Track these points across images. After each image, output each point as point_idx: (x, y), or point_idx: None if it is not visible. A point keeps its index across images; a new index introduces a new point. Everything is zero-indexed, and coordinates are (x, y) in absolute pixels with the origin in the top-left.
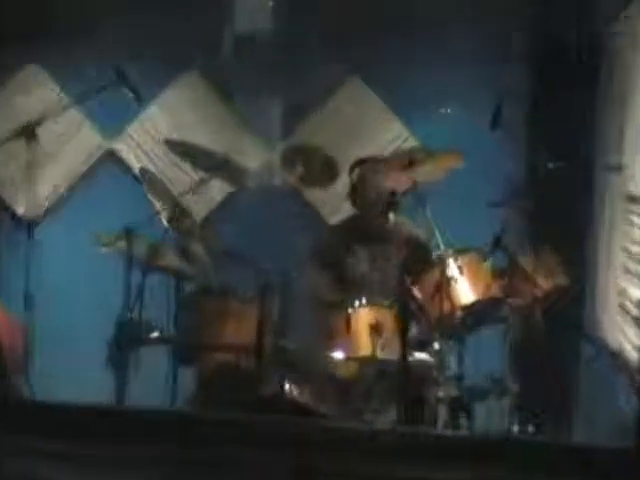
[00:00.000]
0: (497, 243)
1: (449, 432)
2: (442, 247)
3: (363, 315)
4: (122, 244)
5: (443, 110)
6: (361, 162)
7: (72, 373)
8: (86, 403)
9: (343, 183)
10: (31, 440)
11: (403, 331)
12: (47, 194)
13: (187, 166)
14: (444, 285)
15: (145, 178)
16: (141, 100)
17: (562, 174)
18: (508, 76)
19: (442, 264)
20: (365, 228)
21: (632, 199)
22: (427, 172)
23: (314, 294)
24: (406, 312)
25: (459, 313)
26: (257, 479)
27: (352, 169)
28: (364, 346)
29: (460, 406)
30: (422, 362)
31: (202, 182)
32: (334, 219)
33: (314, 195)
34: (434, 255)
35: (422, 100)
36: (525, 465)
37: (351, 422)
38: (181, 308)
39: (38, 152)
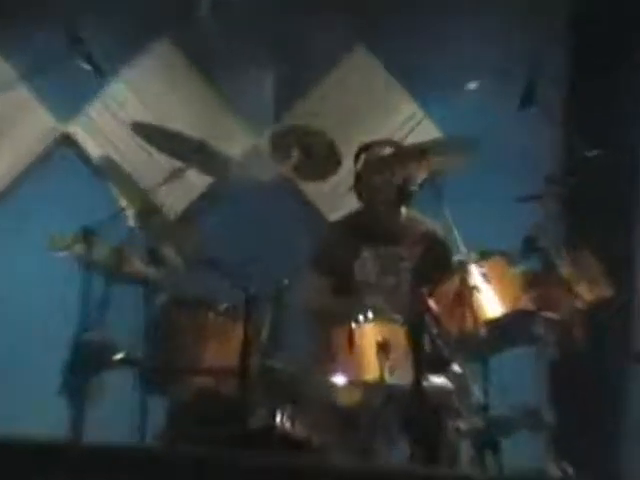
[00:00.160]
0: (529, 245)
1: (472, 472)
2: (463, 249)
3: (369, 331)
4: (80, 247)
5: (467, 86)
6: (368, 147)
7: (20, 402)
8: (36, 438)
9: (346, 172)
10: None
11: (417, 350)
12: None
13: (158, 154)
14: (466, 295)
15: (107, 168)
16: (102, 75)
17: (605, 164)
18: (544, 54)
19: (463, 270)
20: (372, 226)
21: None
22: (445, 161)
23: (310, 306)
24: (421, 327)
25: (484, 329)
26: None
27: (357, 155)
28: (370, 368)
29: (486, 441)
30: (439, 388)
31: (176, 173)
32: (335, 216)
33: (311, 187)
34: (454, 259)
35: (439, 76)
36: None
37: (355, 459)
38: (151, 324)
39: None
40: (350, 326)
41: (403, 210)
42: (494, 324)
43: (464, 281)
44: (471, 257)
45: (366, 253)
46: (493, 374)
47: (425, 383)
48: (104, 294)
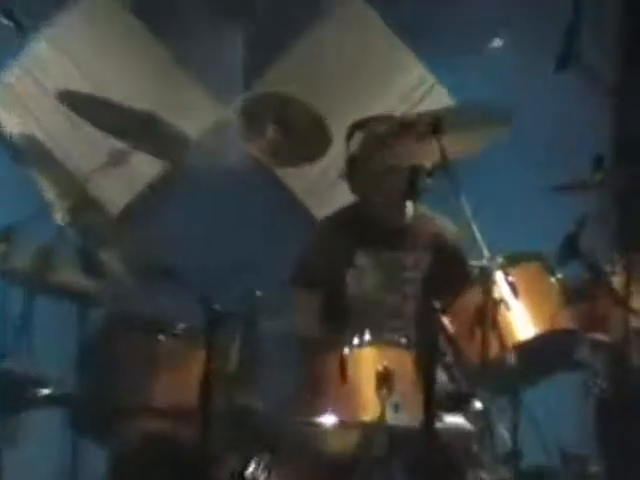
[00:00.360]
0: (570, 247)
1: None
2: (486, 253)
3: (367, 358)
4: None
5: (489, 45)
6: (364, 123)
7: None
8: None
9: (337, 155)
10: None
11: (428, 382)
12: None
13: (94, 131)
14: (490, 311)
15: (29, 149)
16: (23, 32)
17: None
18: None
19: (486, 279)
20: (370, 225)
21: None
22: (461, 142)
23: (292, 327)
24: (432, 353)
25: (513, 354)
26: None
27: (350, 133)
28: (368, 405)
29: None
30: (456, 430)
31: (118, 156)
32: (322, 211)
33: (292, 174)
34: (474, 265)
35: (450, 34)
36: None
37: None
38: (86, 350)
39: None
40: (342, 352)
41: (409, 205)
42: (526, 348)
43: (487, 293)
44: (496, 263)
45: (362, 260)
46: (525, 412)
47: (438, 424)
48: (25, 310)
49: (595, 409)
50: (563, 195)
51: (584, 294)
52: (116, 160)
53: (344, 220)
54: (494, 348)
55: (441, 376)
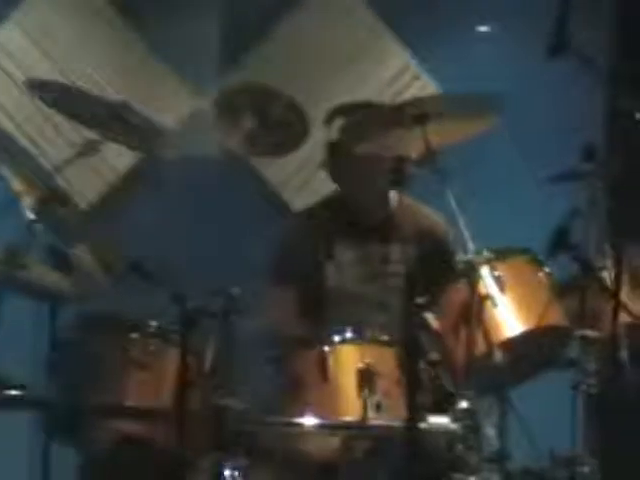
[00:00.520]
0: (560, 240)
1: None
2: (472, 247)
3: (348, 355)
4: None
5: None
6: (345, 110)
7: None
8: None
9: (316, 145)
10: None
11: (411, 380)
12: None
13: (64, 121)
14: (476, 308)
15: None
16: None
17: None
18: None
19: (472, 274)
20: (351, 217)
21: None
22: (449, 131)
23: (270, 323)
24: (416, 350)
25: (500, 352)
26: None
27: (329, 120)
28: (349, 405)
29: None
30: (441, 430)
31: (89, 147)
32: (300, 203)
33: (269, 165)
34: (460, 260)
35: (436, 19)
36: None
37: None
38: (55, 349)
39: None
40: (322, 349)
41: (393, 196)
42: (513, 345)
43: (473, 289)
44: (483, 256)
45: (342, 252)
46: (512, 411)
47: (422, 424)
48: None
49: (585, 407)
50: (554, 185)
51: (574, 289)
52: (87, 151)
53: (323, 211)
54: (480, 345)
55: (425, 374)
